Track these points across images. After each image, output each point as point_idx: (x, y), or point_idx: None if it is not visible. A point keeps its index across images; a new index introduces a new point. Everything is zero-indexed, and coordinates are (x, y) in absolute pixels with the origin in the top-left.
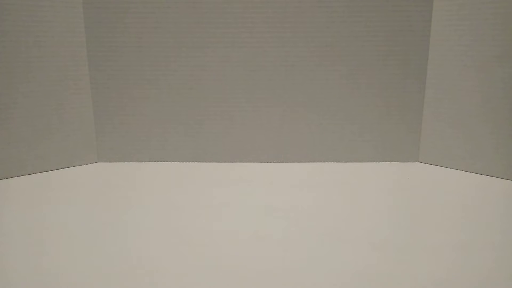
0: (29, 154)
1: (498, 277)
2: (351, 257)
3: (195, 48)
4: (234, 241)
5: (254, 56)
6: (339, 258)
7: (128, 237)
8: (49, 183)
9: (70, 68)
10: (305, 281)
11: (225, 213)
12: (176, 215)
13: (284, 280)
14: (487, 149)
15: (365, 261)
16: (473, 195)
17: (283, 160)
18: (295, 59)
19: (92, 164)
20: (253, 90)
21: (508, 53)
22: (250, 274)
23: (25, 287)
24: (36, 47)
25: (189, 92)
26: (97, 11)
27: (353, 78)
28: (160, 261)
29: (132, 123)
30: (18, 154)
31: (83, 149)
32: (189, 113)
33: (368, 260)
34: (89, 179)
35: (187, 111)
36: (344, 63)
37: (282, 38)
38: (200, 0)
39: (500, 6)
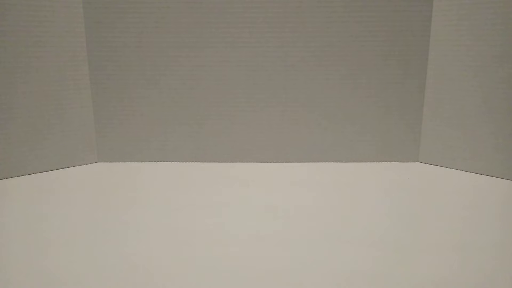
0: (29, 154)
1: (498, 277)
2: (351, 257)
3: (195, 48)
4: (234, 241)
5: (254, 56)
6: (339, 258)
7: (128, 237)
8: (49, 183)
9: (70, 68)
10: (305, 281)
11: (225, 213)
12: (176, 215)
13: (284, 280)
14: (487, 149)
15: (365, 261)
16: (473, 195)
17: (283, 160)
18: (295, 59)
19: (92, 164)
20: (253, 90)
21: (508, 53)
22: (250, 274)
23: (25, 287)
24: (36, 47)
25: (189, 92)
26: (97, 11)
27: (353, 78)
28: (160, 261)
29: (132, 123)
30: (18, 154)
31: (83, 149)
32: (189, 113)
33: (368, 260)
34: (89, 179)
35: (187, 111)
36: (344, 63)
37: (282, 38)
38: (200, 0)
39: (500, 6)
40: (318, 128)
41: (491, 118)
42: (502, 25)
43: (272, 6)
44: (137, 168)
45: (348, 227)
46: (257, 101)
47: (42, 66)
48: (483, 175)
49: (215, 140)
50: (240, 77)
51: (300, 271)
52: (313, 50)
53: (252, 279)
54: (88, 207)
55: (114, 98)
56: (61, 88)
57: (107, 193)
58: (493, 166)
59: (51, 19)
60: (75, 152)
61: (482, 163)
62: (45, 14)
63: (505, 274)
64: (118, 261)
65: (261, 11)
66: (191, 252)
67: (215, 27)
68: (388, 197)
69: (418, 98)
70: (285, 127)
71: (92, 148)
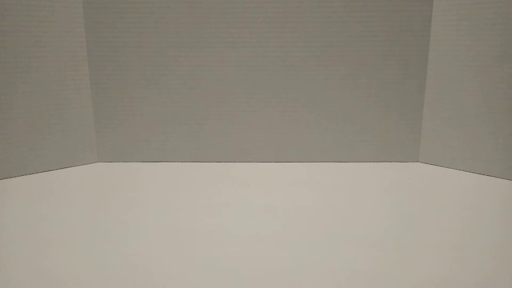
0: (29, 154)
1: (498, 277)
2: (351, 257)
3: (195, 48)
4: (234, 241)
5: (254, 56)
6: (339, 258)
7: (128, 237)
8: (49, 183)
9: (70, 68)
10: (305, 281)
11: (225, 213)
12: (176, 215)
13: (284, 280)
14: (487, 149)
15: (365, 261)
16: (473, 195)
17: (283, 160)
18: (295, 59)
19: (92, 164)
20: (253, 90)
21: (508, 53)
22: (250, 274)
23: (25, 287)
24: (36, 47)
25: (189, 92)
26: (97, 11)
27: (353, 78)
28: (160, 261)
29: (132, 123)
30: (18, 154)
31: (83, 149)
32: (189, 113)
33: (368, 260)
34: (89, 179)
35: (187, 111)
36: (344, 63)
37: (282, 38)
38: (200, 0)
39: (500, 6)
40: (318, 128)
41: (491, 118)
42: (502, 25)
43: (272, 6)
44: (137, 168)
45: (348, 227)
46: (257, 101)
47: (42, 66)
48: (483, 175)
49: (215, 140)
50: (240, 77)
51: (300, 271)
52: (313, 50)
53: (252, 279)
54: (88, 207)
55: (114, 98)
56: (61, 88)
57: (107, 193)
58: (493, 166)
59: (51, 19)
60: (75, 152)
61: (482, 163)
62: (45, 14)
63: (505, 274)
64: (118, 261)
65: (261, 11)
66: (191, 252)
67: (215, 27)
68: (388, 197)
69: (418, 98)
70: (285, 127)
71: (92, 148)
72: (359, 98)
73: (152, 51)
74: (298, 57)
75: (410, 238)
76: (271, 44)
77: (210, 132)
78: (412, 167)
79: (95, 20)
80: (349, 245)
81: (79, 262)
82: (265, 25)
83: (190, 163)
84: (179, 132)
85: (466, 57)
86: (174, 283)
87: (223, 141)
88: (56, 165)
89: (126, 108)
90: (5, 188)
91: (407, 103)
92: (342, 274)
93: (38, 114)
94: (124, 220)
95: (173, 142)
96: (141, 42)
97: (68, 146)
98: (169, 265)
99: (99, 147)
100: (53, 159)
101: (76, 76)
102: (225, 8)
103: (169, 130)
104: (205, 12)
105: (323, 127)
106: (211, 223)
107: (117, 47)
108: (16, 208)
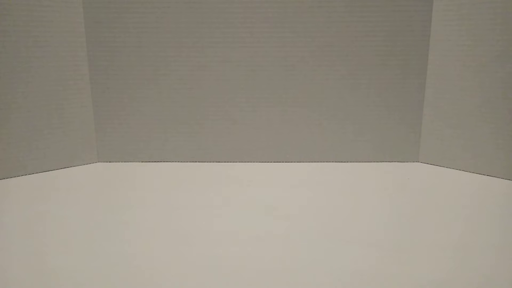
0: (29, 154)
1: (498, 277)
2: (351, 257)
3: (195, 48)
4: (234, 241)
5: (254, 56)
6: (339, 258)
7: (128, 237)
8: (49, 183)
9: (70, 68)
10: (305, 281)
11: (225, 213)
12: (176, 215)
13: (284, 280)
14: (487, 149)
15: (365, 261)
16: (473, 195)
17: (283, 160)
18: (295, 59)
19: (92, 164)
20: (253, 90)
21: (508, 53)
22: (250, 274)
23: (25, 287)
24: (36, 47)
25: (189, 92)
26: (97, 11)
27: (353, 78)
28: (160, 261)
29: (132, 123)
30: (18, 154)
31: (83, 149)
32: (189, 113)
33: (368, 260)
34: (89, 179)
35: (187, 111)
36: (344, 63)
37: (282, 38)
38: (200, 0)
39: (500, 6)
40: (318, 128)
41: (491, 118)
42: (502, 25)
43: (272, 6)
44: (137, 168)
45: (348, 227)
46: (257, 101)
47: (42, 66)
48: (483, 175)
49: (215, 140)
50: (240, 77)
51: (300, 271)
52: (313, 50)
53: (252, 279)
54: (88, 207)
55: (114, 98)
56: (61, 88)
57: (107, 193)
58: (493, 166)
59: (51, 19)
60: (75, 152)
61: (482, 163)
62: (45, 14)
63: (505, 274)
64: (118, 261)
65: (261, 11)
66: (191, 252)
67: (215, 27)
68: (388, 197)
69: (418, 98)
70: (285, 127)
71: (92, 148)
72: (359, 98)
73: (152, 51)
74: (298, 57)
75: (410, 238)
76: (271, 44)
77: (210, 132)
78: (412, 167)
79: (95, 20)
80: (349, 245)
81: (79, 262)
82: (265, 25)
83: (190, 163)
84: (179, 132)
85: (466, 57)
86: (174, 283)
87: (223, 141)
88: (56, 165)
89: (126, 108)
90: (5, 188)
91: (407, 103)
92: (342, 274)
93: (38, 114)
94: (124, 220)
95: (173, 142)
96: (141, 42)
97: (68, 146)
98: (169, 265)
99: (99, 147)
100: (53, 159)
101: (76, 76)
102: (225, 8)
103: (169, 130)
104: (205, 12)
105: (323, 127)
106: (211, 223)
107: (117, 47)
108: (16, 208)
